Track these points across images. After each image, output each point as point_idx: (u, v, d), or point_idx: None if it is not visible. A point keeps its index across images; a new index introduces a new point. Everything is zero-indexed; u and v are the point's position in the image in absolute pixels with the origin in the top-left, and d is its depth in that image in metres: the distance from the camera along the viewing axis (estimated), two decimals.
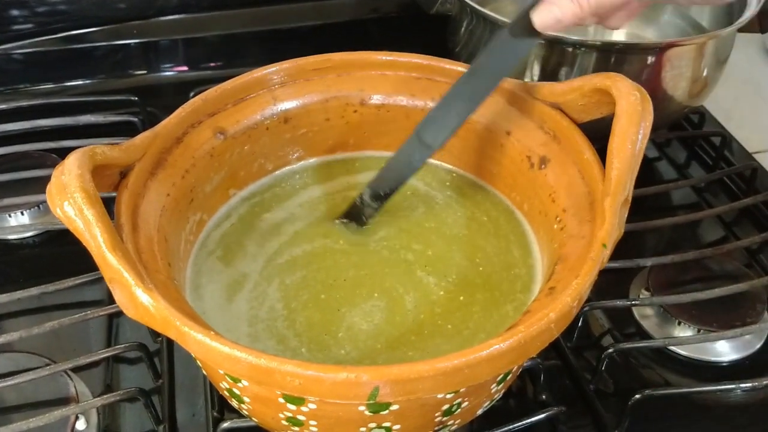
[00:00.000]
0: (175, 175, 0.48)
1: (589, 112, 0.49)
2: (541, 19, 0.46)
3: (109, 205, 0.41)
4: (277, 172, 0.57)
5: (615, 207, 0.43)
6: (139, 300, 0.38)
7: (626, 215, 0.45)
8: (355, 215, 0.54)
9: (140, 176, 0.45)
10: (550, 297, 0.42)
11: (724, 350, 0.58)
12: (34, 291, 0.57)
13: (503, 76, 0.51)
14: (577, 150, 0.49)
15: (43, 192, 0.65)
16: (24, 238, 0.68)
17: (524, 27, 0.47)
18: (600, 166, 0.46)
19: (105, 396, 0.52)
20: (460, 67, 0.55)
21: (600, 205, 0.44)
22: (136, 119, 0.77)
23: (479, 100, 0.50)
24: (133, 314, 0.39)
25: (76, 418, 0.51)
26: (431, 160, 0.57)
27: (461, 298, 0.50)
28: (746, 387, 0.55)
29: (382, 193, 0.53)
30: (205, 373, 0.48)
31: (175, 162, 0.49)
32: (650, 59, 0.66)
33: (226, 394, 0.45)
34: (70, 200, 0.39)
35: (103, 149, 0.42)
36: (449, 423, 0.44)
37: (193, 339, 0.37)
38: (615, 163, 0.44)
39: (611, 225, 0.42)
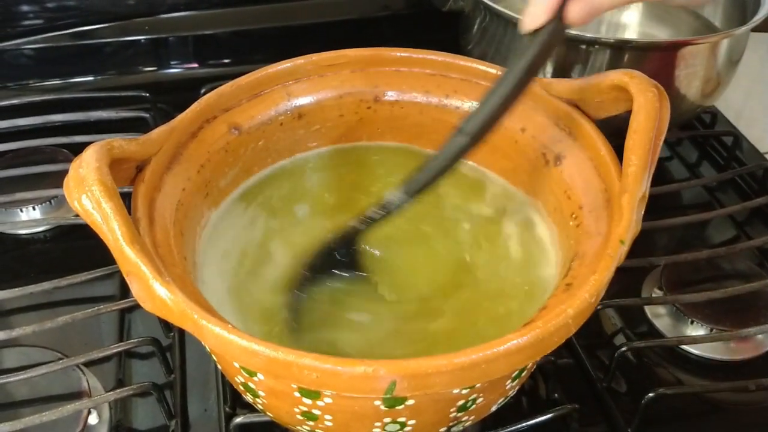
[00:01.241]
0: (190, 170, 0.48)
1: (605, 109, 0.49)
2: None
3: (125, 200, 0.41)
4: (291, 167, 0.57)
5: (633, 203, 0.42)
6: (156, 293, 0.38)
7: (643, 212, 0.45)
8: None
9: (156, 170, 0.45)
10: (567, 293, 0.42)
11: (737, 349, 0.58)
12: (46, 285, 0.58)
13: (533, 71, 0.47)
14: (593, 147, 0.49)
15: (55, 187, 0.67)
16: (35, 233, 0.68)
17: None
18: (616, 162, 0.46)
19: (118, 390, 0.52)
20: (474, 64, 0.55)
21: (617, 201, 0.44)
22: (147, 115, 0.77)
23: (513, 94, 0.47)
24: (150, 308, 0.39)
25: (89, 412, 0.51)
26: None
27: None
28: (759, 386, 0.54)
29: (412, 191, 0.49)
30: (219, 367, 0.48)
31: (191, 156, 0.49)
32: (664, 58, 0.65)
33: (241, 388, 0.44)
34: (87, 193, 0.39)
35: (121, 143, 0.42)
36: (464, 419, 0.44)
37: (210, 332, 0.37)
38: (633, 160, 0.43)
39: (629, 221, 0.42)
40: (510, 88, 0.46)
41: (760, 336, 0.58)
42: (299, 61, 0.55)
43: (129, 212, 0.41)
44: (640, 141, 0.44)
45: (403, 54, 0.55)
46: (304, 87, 0.55)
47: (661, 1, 0.47)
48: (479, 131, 0.46)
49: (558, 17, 0.45)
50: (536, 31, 0.45)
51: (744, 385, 0.55)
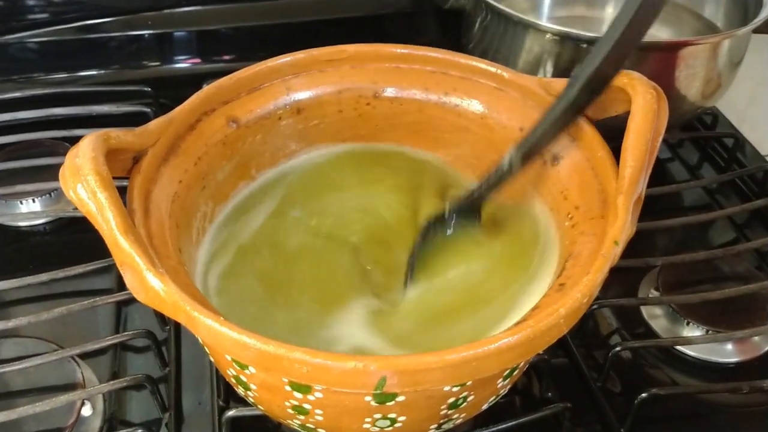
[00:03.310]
0: (187, 162, 0.48)
1: (604, 110, 0.49)
2: None
3: (121, 193, 0.41)
4: (288, 163, 0.57)
5: (628, 204, 0.42)
6: (149, 284, 0.38)
7: (638, 213, 0.45)
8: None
9: (153, 162, 0.45)
10: (560, 293, 0.42)
11: (732, 351, 0.58)
12: (43, 277, 0.58)
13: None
14: (590, 147, 0.48)
15: (55, 180, 0.65)
16: (35, 225, 0.68)
17: None
18: (613, 163, 0.46)
19: (112, 382, 0.52)
20: (474, 62, 0.55)
21: (612, 202, 0.44)
22: (148, 110, 0.77)
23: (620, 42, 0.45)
24: (143, 298, 0.39)
25: (82, 403, 0.51)
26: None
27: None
28: (754, 388, 0.54)
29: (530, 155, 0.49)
30: (212, 360, 0.48)
31: (188, 149, 0.49)
32: (664, 58, 0.65)
33: (233, 381, 0.45)
34: (83, 183, 0.39)
35: (117, 133, 0.43)
36: (454, 416, 0.44)
37: (202, 324, 0.37)
38: (629, 161, 0.43)
39: (623, 222, 0.42)
40: (615, 39, 0.44)
41: (756, 338, 0.58)
42: (299, 55, 0.55)
43: (125, 203, 0.41)
44: (637, 142, 0.44)
45: (403, 50, 0.55)
46: (304, 82, 0.55)
47: None
48: (591, 80, 0.46)
49: None
50: None
51: (738, 386, 0.55)
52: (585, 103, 0.48)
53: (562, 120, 0.48)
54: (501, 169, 0.50)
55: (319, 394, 0.40)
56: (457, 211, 0.52)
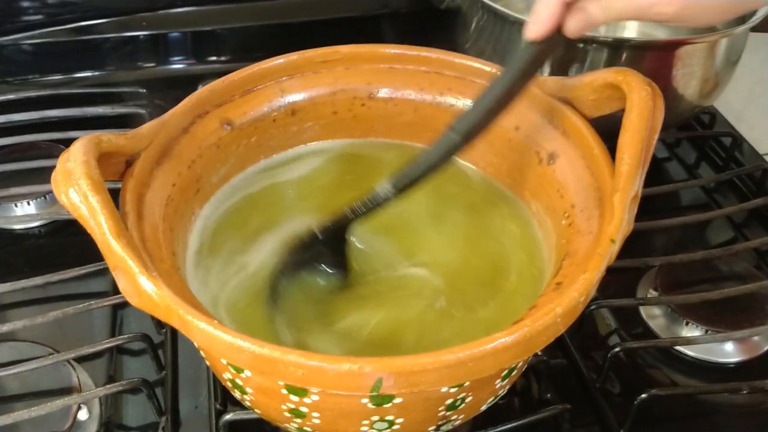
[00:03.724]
0: (181, 165, 0.48)
1: (599, 108, 0.49)
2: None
3: (114, 196, 0.41)
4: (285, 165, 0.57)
5: (624, 202, 0.42)
6: (142, 288, 0.38)
7: (635, 211, 0.44)
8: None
9: (146, 165, 0.45)
10: (557, 292, 0.41)
11: (732, 351, 0.58)
12: (38, 280, 0.58)
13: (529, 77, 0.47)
14: (586, 145, 0.48)
15: (50, 182, 0.66)
16: (30, 228, 0.68)
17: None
18: (609, 161, 0.46)
19: (108, 386, 0.52)
20: (468, 61, 0.55)
21: (609, 200, 0.43)
22: (144, 111, 0.77)
23: (507, 96, 0.47)
24: (136, 302, 0.39)
25: (78, 407, 0.51)
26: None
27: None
28: (754, 388, 0.54)
29: (401, 186, 0.48)
30: (208, 364, 0.48)
31: (182, 152, 0.48)
32: (661, 57, 0.65)
33: (229, 385, 0.44)
34: (74, 187, 0.39)
35: (109, 137, 0.42)
36: (453, 418, 0.44)
37: (196, 327, 0.36)
38: (625, 158, 0.43)
39: (620, 220, 0.42)
40: (504, 89, 0.46)
41: (755, 338, 0.58)
42: (293, 57, 0.54)
43: (118, 207, 0.41)
44: (633, 139, 0.44)
45: (396, 51, 0.55)
46: (298, 83, 0.55)
47: (651, 20, 0.46)
48: (471, 131, 0.46)
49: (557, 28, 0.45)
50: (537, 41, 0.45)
51: (738, 386, 0.54)
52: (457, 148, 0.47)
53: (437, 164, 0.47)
54: (375, 199, 0.48)
55: (315, 397, 0.39)
56: (331, 232, 0.50)
